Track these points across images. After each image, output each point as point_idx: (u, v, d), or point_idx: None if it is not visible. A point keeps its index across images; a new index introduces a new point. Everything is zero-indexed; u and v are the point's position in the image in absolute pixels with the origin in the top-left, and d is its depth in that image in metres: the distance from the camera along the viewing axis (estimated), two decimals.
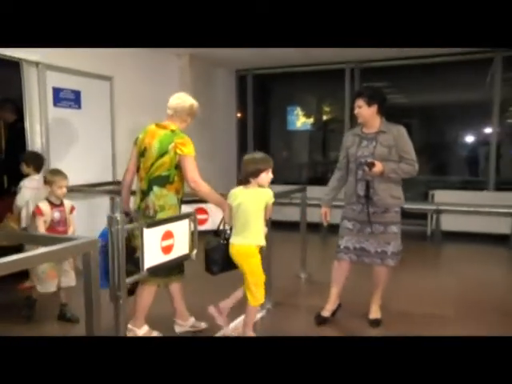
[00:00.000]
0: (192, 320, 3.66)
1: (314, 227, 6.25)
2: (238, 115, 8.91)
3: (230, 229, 3.36)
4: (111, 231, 2.55)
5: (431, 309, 4.16)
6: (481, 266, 5.76)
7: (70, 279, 3.88)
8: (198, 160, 3.25)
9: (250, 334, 3.39)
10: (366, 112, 3.63)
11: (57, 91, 5.29)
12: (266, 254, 3.71)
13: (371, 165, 3.51)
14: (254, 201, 3.22)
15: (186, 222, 3.15)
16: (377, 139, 3.64)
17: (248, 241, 3.25)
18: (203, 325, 3.65)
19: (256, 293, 3.26)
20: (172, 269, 3.36)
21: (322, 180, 8.90)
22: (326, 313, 3.89)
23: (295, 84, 9.03)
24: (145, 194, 3.36)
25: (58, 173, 3.87)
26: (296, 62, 7.90)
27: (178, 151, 3.27)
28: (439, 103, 8.78)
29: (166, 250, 2.96)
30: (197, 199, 4.26)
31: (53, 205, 3.80)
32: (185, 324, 3.64)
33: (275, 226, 4.53)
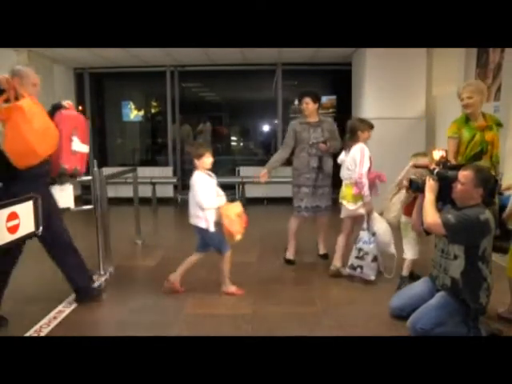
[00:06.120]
0: None
1: (146, 201, 6.20)
2: (79, 108, 8.29)
3: None
4: None
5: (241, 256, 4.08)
6: (274, 221, 6.12)
7: None
8: None
9: None
10: (312, 106, 4.02)
11: None
12: (106, 224, 3.54)
13: (325, 143, 3.97)
14: None
15: (29, 203, 2.93)
16: (322, 126, 4.06)
17: None
18: None
19: None
20: None
21: (150, 161, 8.85)
22: (291, 256, 4.19)
23: (128, 82, 8.74)
24: None
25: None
26: (126, 64, 7.60)
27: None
28: (242, 100, 9.25)
29: (12, 229, 2.72)
30: (6, 203, 3.84)
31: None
32: None
33: (112, 201, 4.42)
